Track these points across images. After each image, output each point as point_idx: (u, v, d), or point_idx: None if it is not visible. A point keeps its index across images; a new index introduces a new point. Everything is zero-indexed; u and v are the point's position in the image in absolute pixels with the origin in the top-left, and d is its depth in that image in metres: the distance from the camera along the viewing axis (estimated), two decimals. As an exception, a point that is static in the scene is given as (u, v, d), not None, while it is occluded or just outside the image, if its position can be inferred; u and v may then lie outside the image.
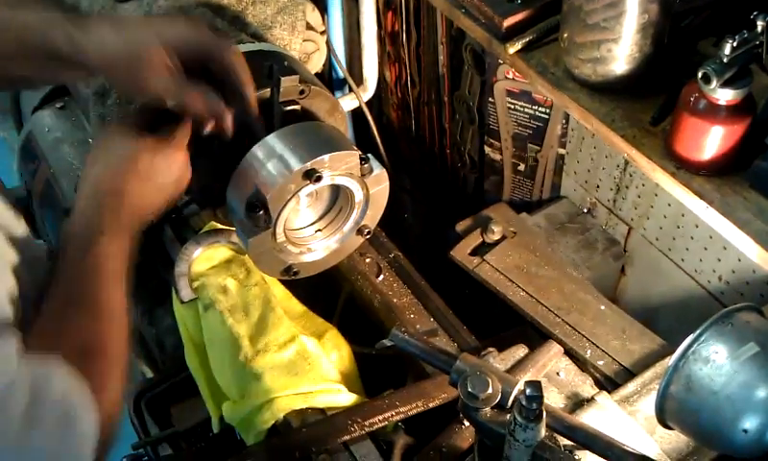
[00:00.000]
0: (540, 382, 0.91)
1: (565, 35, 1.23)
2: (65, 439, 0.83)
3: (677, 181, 1.14)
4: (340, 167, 1.17)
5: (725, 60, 1.03)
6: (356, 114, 1.97)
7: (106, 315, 0.94)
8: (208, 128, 1.08)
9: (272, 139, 1.17)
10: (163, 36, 1.03)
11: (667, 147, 1.16)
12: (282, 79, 1.18)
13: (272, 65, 1.22)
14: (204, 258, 1.40)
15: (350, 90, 1.92)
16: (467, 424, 1.20)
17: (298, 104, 1.22)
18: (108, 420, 0.88)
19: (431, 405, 1.24)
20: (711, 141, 1.10)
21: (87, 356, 0.90)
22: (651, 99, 1.22)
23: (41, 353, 0.85)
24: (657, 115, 1.20)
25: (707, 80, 1.05)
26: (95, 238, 0.96)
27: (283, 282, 1.42)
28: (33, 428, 0.80)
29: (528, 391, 0.90)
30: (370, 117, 1.84)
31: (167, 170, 1.05)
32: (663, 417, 1.00)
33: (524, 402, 0.91)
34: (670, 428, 1.03)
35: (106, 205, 0.99)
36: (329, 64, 1.93)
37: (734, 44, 1.02)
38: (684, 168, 1.14)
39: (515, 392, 0.98)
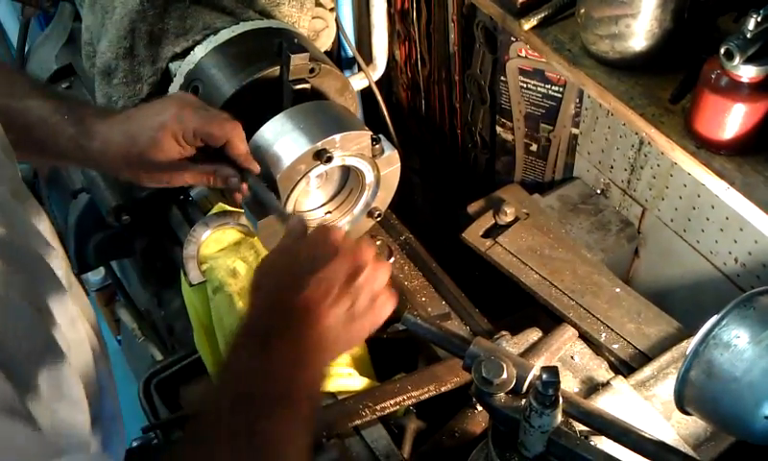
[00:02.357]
0: (556, 367, 0.90)
1: (582, 10, 1.20)
2: None
3: (697, 161, 1.11)
4: (351, 147, 1.15)
5: (748, 35, 1.00)
6: (365, 94, 1.94)
7: None
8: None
9: (281, 118, 1.15)
10: (171, 128, 1.06)
11: (687, 126, 1.13)
12: (292, 56, 1.16)
13: (281, 42, 1.19)
14: (212, 241, 1.39)
15: (360, 70, 1.89)
16: (479, 408, 1.19)
17: (308, 82, 1.20)
18: None
19: (443, 390, 1.23)
20: (733, 120, 1.07)
21: None
22: (670, 76, 1.19)
23: None
24: (676, 93, 1.16)
25: (729, 56, 1.02)
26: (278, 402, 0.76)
27: (293, 265, 1.40)
28: None
29: (545, 376, 0.89)
30: (379, 97, 1.81)
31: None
32: (682, 403, 0.99)
33: (540, 388, 0.89)
34: (689, 414, 1.01)
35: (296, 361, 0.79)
36: (338, 43, 1.90)
37: (759, 19, 0.99)
38: (705, 147, 1.11)
39: (530, 377, 0.97)
